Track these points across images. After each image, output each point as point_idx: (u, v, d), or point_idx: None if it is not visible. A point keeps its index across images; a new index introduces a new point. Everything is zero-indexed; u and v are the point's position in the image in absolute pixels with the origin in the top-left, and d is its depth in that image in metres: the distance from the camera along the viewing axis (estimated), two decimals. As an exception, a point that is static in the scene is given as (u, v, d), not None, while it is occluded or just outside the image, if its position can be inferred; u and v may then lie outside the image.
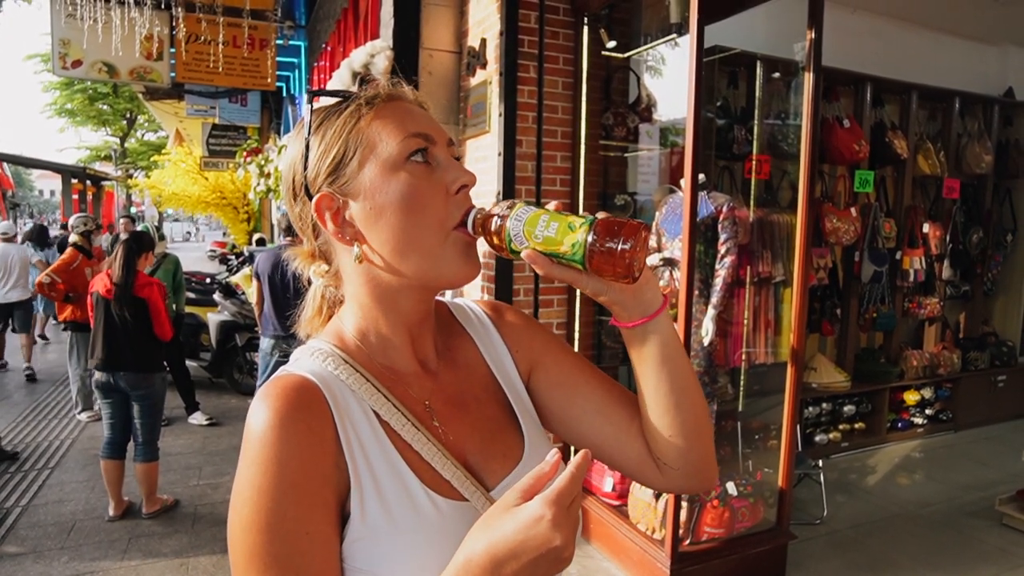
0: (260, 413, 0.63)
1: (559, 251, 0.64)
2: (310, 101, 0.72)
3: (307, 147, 0.70)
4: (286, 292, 4.12)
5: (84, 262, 5.16)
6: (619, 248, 0.62)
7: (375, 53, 3.58)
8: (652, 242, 3.29)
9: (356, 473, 0.65)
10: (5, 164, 13.96)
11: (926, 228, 4.87)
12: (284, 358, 4.20)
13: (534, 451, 0.77)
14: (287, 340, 4.18)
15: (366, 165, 0.69)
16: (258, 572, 0.60)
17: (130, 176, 22.27)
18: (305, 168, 0.71)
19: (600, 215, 0.65)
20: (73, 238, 5.39)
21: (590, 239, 0.62)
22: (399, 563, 0.64)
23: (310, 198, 0.71)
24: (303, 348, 0.74)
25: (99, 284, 3.61)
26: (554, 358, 0.84)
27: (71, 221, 5.78)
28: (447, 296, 0.93)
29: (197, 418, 5.26)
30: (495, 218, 0.67)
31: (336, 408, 0.66)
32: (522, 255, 0.66)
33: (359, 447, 0.66)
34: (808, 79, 2.74)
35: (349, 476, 0.65)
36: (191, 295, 6.34)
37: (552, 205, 0.67)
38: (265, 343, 4.23)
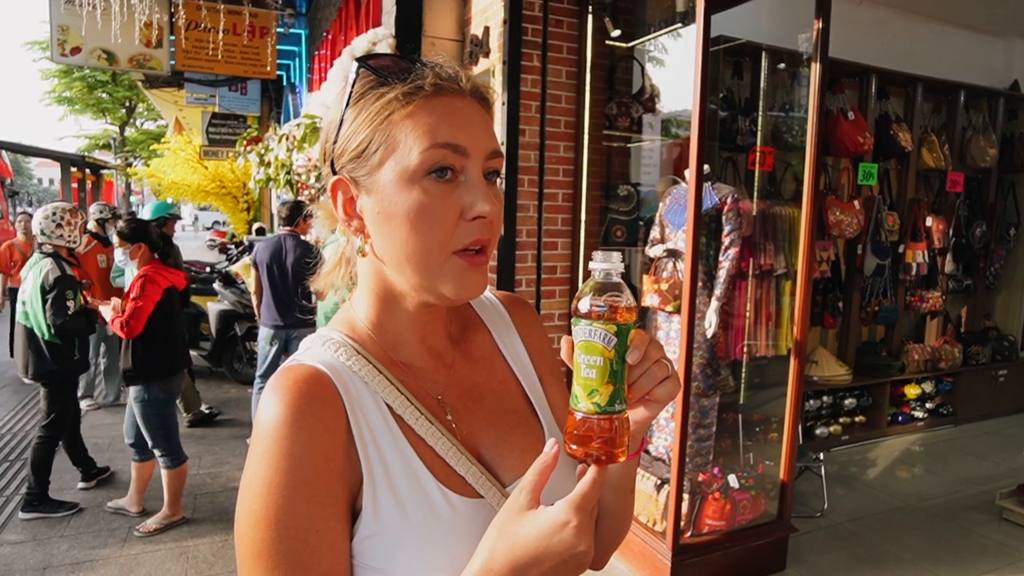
0: (271, 406, 0.61)
1: (574, 378, 0.60)
2: (359, 69, 0.65)
3: (342, 121, 0.66)
4: (285, 281, 4.11)
5: (98, 248, 5.28)
6: (589, 448, 0.59)
7: (377, 41, 3.55)
8: (655, 233, 3.27)
9: (369, 468, 0.63)
10: (4, 152, 13.89)
11: (929, 221, 4.86)
12: (284, 347, 4.20)
13: None
14: (286, 329, 4.18)
15: (385, 165, 0.64)
16: (266, 569, 0.59)
17: (129, 165, 22.20)
18: (335, 141, 0.67)
19: (617, 420, 0.58)
20: (90, 225, 5.49)
21: (576, 424, 0.59)
22: (412, 562, 0.62)
23: (333, 172, 0.68)
24: (314, 337, 0.71)
25: (175, 280, 3.44)
26: (551, 389, 0.82)
27: (90, 209, 5.94)
28: None
29: (197, 407, 5.26)
30: (583, 301, 0.59)
31: (348, 400, 0.64)
32: (571, 333, 0.61)
33: (372, 441, 0.64)
34: (815, 70, 2.71)
35: (361, 470, 0.63)
36: (191, 284, 6.33)
37: (633, 357, 0.58)
38: (264, 332, 4.22)
